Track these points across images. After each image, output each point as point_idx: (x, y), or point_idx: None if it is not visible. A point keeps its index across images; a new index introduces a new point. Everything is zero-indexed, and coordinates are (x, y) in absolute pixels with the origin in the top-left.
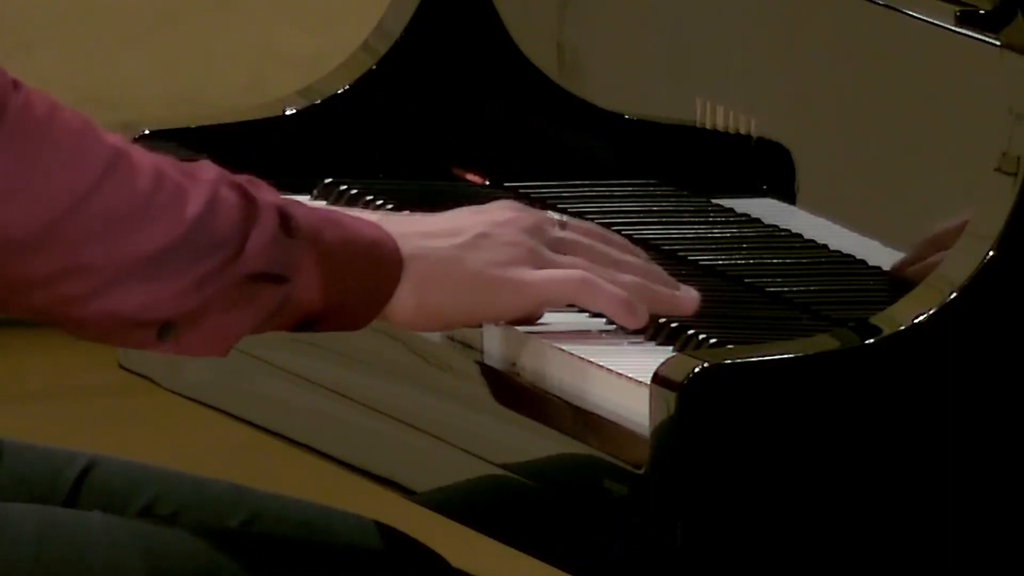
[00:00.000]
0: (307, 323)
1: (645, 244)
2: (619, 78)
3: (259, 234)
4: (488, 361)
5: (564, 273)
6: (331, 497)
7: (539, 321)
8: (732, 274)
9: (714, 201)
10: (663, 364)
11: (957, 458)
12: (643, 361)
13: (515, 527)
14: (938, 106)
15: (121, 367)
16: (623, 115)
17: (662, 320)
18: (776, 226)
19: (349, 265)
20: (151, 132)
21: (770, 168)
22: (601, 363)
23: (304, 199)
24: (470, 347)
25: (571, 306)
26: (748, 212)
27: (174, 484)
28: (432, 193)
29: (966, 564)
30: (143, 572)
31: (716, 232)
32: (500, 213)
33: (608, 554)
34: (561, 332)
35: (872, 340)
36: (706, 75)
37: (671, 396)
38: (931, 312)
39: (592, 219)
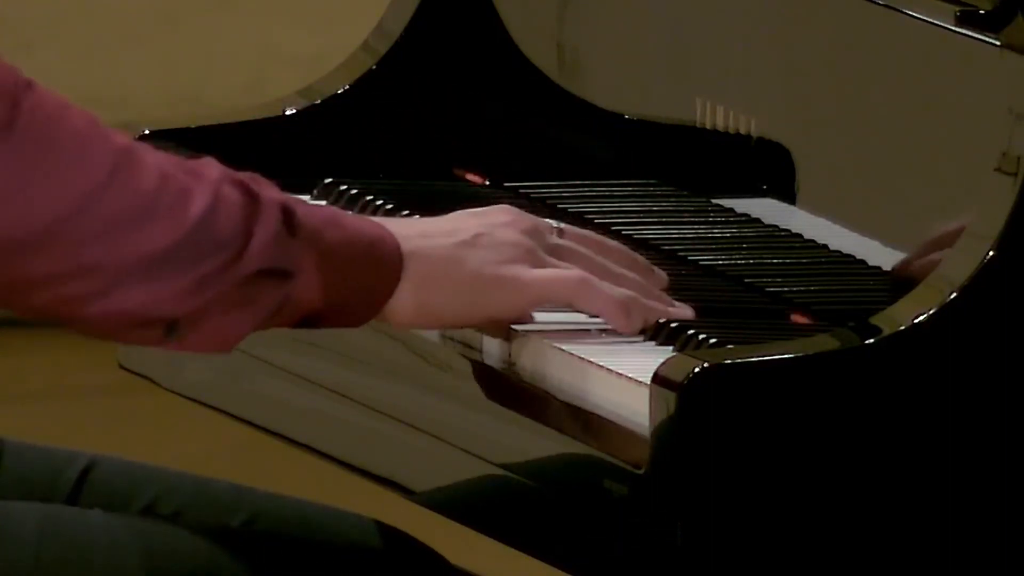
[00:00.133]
0: (307, 321)
1: (645, 244)
2: (619, 78)
3: (262, 231)
4: (488, 361)
5: (562, 272)
6: (331, 497)
7: (534, 320)
8: (732, 274)
9: (714, 201)
10: (663, 364)
11: (957, 458)
12: (643, 361)
13: (515, 527)
14: (938, 106)
15: (121, 367)
16: (623, 115)
17: (662, 320)
18: (776, 226)
19: (350, 265)
20: (151, 132)
21: (770, 168)
22: (601, 363)
23: (304, 199)
24: (469, 347)
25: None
26: (748, 212)
27: (175, 484)
28: (432, 193)
29: (966, 564)
30: (144, 571)
31: (716, 232)
32: (499, 215)
33: (608, 554)
34: (561, 332)
35: (872, 340)
36: (706, 75)
37: (671, 396)
38: (931, 312)
39: (592, 219)
